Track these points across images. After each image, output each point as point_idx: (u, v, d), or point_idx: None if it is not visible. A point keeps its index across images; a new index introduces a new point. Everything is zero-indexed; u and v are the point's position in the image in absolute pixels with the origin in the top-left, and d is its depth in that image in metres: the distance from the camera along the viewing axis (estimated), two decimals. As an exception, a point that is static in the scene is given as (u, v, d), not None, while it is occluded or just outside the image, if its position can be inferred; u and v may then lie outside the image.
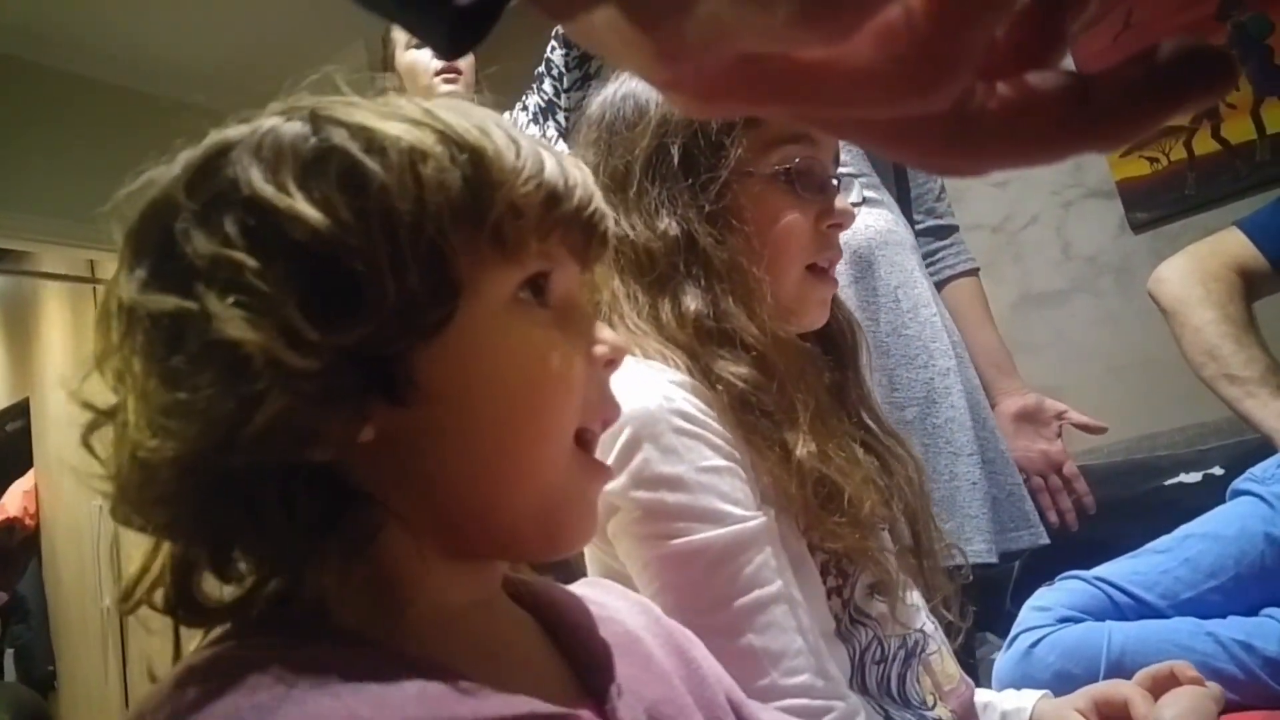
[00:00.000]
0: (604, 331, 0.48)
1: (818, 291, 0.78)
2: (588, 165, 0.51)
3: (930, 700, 0.73)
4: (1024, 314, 2.88)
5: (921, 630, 0.74)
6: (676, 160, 0.74)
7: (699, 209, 0.74)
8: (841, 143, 1.23)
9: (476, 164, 0.42)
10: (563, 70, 1.47)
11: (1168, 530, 0.98)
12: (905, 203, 1.50)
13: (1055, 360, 2.73)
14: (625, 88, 0.78)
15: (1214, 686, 0.70)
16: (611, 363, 0.48)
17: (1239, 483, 0.96)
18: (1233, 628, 0.84)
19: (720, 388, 0.70)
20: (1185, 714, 0.66)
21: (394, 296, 0.39)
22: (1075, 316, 2.75)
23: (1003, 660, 0.92)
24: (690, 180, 0.74)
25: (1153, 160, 2.63)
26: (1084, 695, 0.77)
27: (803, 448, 0.69)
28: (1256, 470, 0.96)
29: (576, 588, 0.56)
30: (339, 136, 0.41)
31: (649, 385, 0.68)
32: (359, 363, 0.40)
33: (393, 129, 0.41)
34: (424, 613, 0.44)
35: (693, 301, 0.72)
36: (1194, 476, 2.28)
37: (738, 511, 0.66)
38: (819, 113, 0.21)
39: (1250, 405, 1.47)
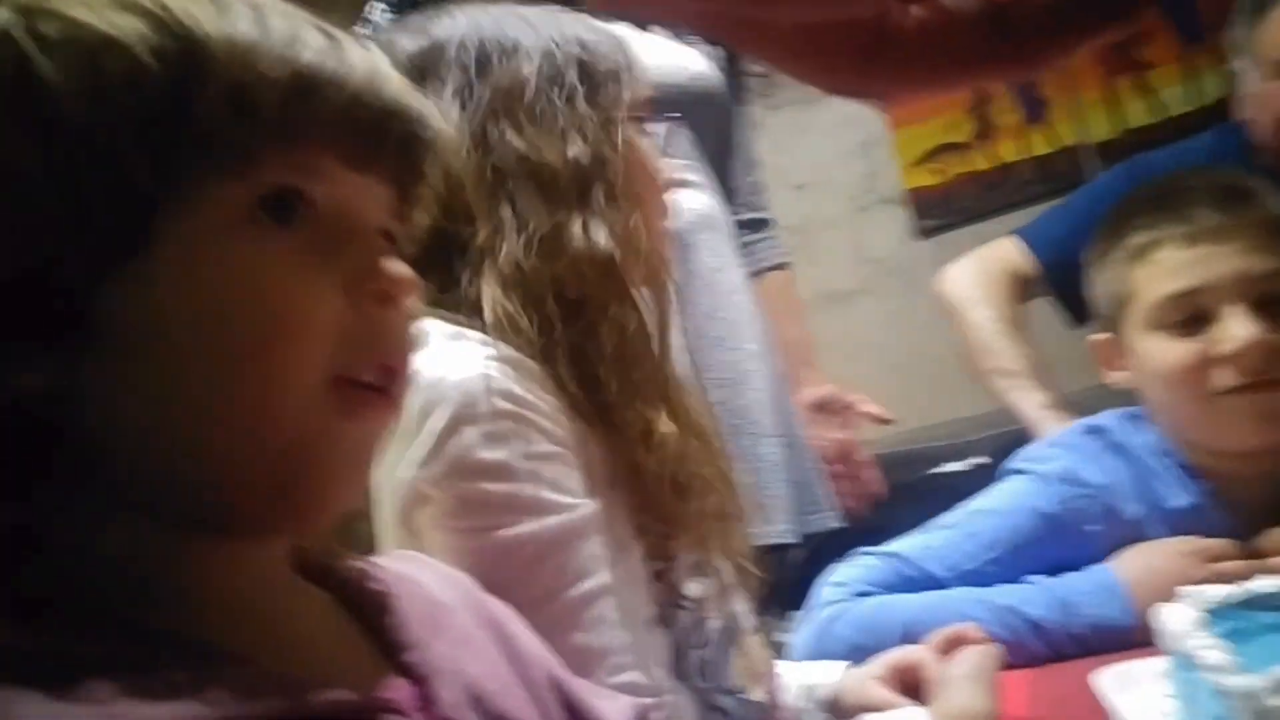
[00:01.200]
0: (388, 263, 0.40)
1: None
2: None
3: (746, 684, 0.73)
4: (816, 312, 3.03)
5: (737, 613, 0.74)
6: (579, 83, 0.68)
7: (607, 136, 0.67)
8: (665, 126, 1.23)
9: (189, 53, 0.35)
10: None
11: (941, 514, 1.05)
12: (724, 193, 1.53)
13: (841, 356, 2.89)
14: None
15: (995, 646, 0.75)
16: (388, 299, 0.40)
17: (1012, 463, 1.04)
18: (1004, 595, 0.91)
19: (592, 347, 0.66)
20: (971, 671, 0.70)
21: (65, 219, 0.34)
22: (863, 316, 2.92)
23: (800, 636, 0.95)
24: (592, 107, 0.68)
25: (939, 172, 2.82)
26: (881, 663, 0.80)
27: (666, 425, 0.67)
28: (1029, 451, 1.04)
29: (385, 563, 0.51)
30: (19, 30, 0.34)
31: (468, 361, 0.62)
32: (32, 297, 0.34)
33: (90, 18, 0.34)
34: (191, 596, 0.38)
35: (600, 235, 0.66)
36: (963, 465, 2.47)
37: (566, 500, 0.62)
38: (751, 11, 0.19)
39: (1016, 396, 1.61)
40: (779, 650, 0.96)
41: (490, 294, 0.65)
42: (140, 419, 0.36)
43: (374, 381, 0.39)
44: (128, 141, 0.34)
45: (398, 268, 0.40)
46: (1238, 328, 0.86)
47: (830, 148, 3.00)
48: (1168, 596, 0.85)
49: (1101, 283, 1.00)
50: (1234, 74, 1.48)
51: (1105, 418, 1.01)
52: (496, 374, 0.62)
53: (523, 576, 0.60)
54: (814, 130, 2.99)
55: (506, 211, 0.66)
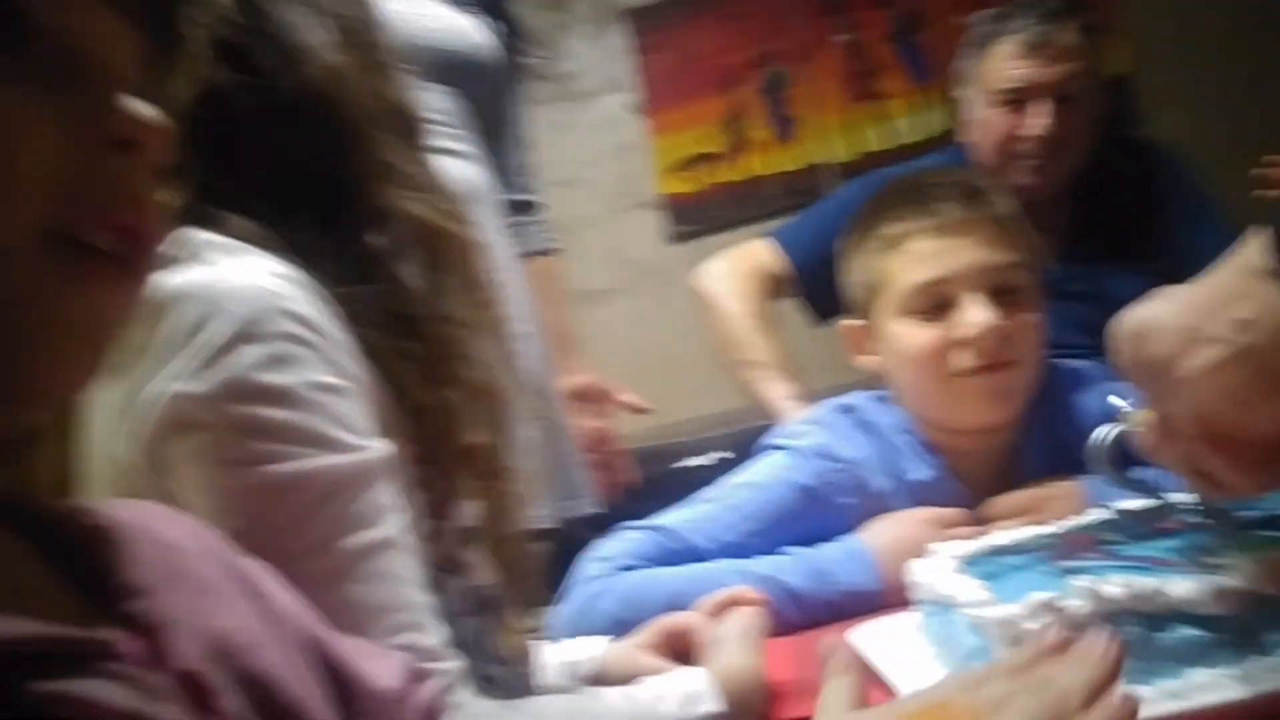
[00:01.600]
0: (131, 103, 0.33)
1: None
2: None
3: (509, 655, 0.69)
4: (571, 309, 3.03)
5: (503, 586, 0.70)
6: None
7: None
8: (432, 87, 1.17)
9: None
10: None
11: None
12: (494, 170, 1.48)
13: (593, 354, 2.92)
14: None
15: (763, 609, 0.76)
16: (126, 144, 0.33)
17: (772, 439, 1.07)
18: (763, 565, 0.93)
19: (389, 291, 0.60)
20: (741, 632, 0.70)
21: None
22: (615, 315, 2.96)
23: (562, 613, 0.93)
24: None
25: (694, 180, 2.93)
26: (649, 632, 0.79)
27: (456, 379, 0.62)
28: (787, 428, 1.08)
29: (112, 511, 0.42)
30: None
31: (254, 273, 0.55)
32: None
33: None
34: None
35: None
36: (706, 460, 2.56)
37: (354, 440, 0.55)
38: None
39: (764, 387, 1.68)
40: (538, 630, 0.92)
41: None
42: None
43: (105, 246, 0.32)
44: None
45: (143, 109, 0.33)
46: (976, 314, 0.93)
47: (590, 148, 3.03)
48: (909, 561, 0.91)
49: (855, 271, 1.05)
50: (960, 101, 1.63)
51: (855, 397, 1.06)
52: (286, 292, 0.55)
53: (297, 520, 0.53)
54: (576, 129, 3.01)
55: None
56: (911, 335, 0.97)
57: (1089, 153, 1.51)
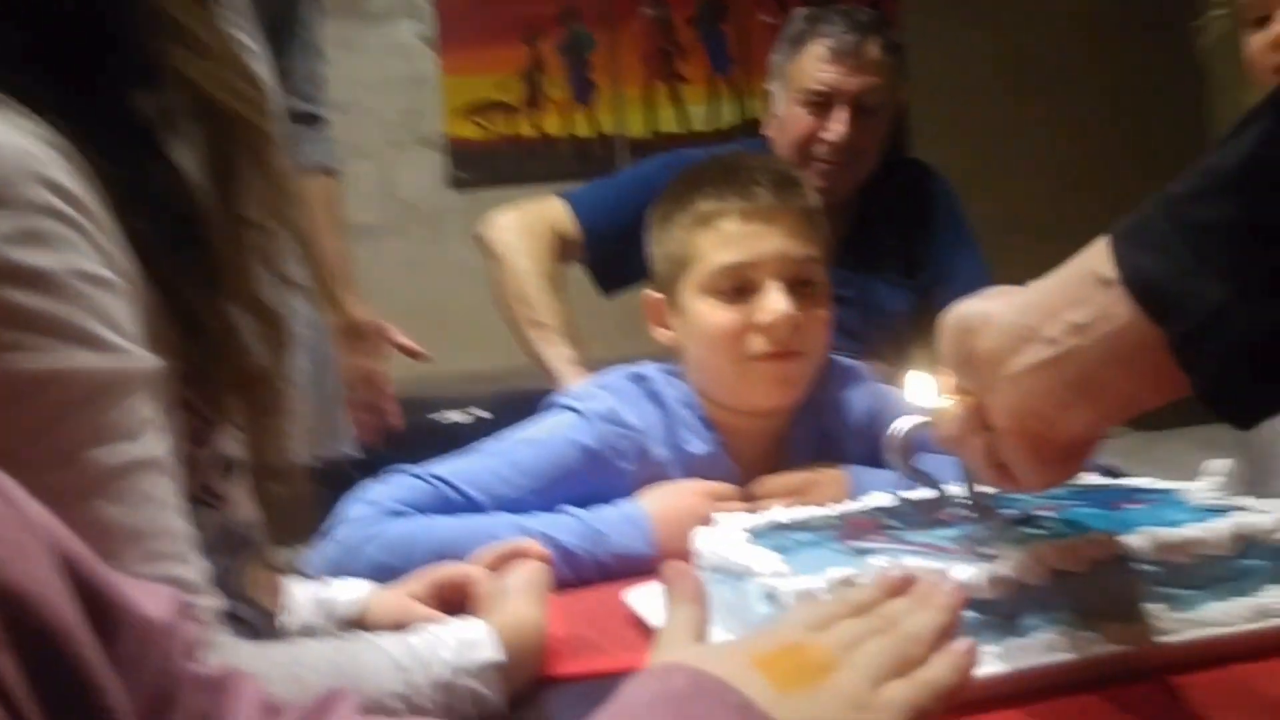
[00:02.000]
0: None
1: None
2: None
3: (259, 595, 0.63)
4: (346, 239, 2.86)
5: (258, 522, 0.64)
6: None
7: None
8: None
9: None
10: None
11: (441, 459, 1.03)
12: (278, 75, 1.35)
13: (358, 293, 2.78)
14: None
15: (547, 563, 0.75)
16: None
17: (558, 398, 1.05)
18: (540, 522, 0.91)
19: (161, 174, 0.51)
20: (525, 584, 0.68)
21: None
22: (381, 255, 2.82)
23: (322, 553, 0.86)
24: None
25: (483, 127, 2.84)
26: (421, 580, 0.75)
27: (256, 285, 0.54)
28: (577, 390, 1.07)
29: None
30: None
31: (7, 131, 0.46)
32: None
33: None
34: None
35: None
36: (464, 416, 2.51)
37: (119, 341, 0.48)
38: None
39: (543, 347, 1.66)
40: (293, 570, 0.86)
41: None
42: None
43: None
44: None
45: None
46: (776, 302, 0.95)
47: (376, 74, 2.86)
48: (682, 530, 0.92)
49: (663, 243, 1.05)
50: (767, 94, 1.68)
51: (647, 367, 1.07)
52: (48, 159, 0.46)
53: (43, 424, 0.45)
54: (363, 51, 2.82)
55: None
56: (712, 314, 0.98)
57: (875, 167, 1.61)
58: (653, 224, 1.08)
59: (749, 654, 0.39)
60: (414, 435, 2.16)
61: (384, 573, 0.80)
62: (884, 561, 0.54)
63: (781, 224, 0.99)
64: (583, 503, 0.96)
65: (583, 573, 0.88)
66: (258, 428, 0.60)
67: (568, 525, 0.92)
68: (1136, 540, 0.58)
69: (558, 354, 1.62)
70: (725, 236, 0.98)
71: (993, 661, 0.53)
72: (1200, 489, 0.65)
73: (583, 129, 2.85)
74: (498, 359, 2.73)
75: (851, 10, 1.61)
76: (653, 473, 0.99)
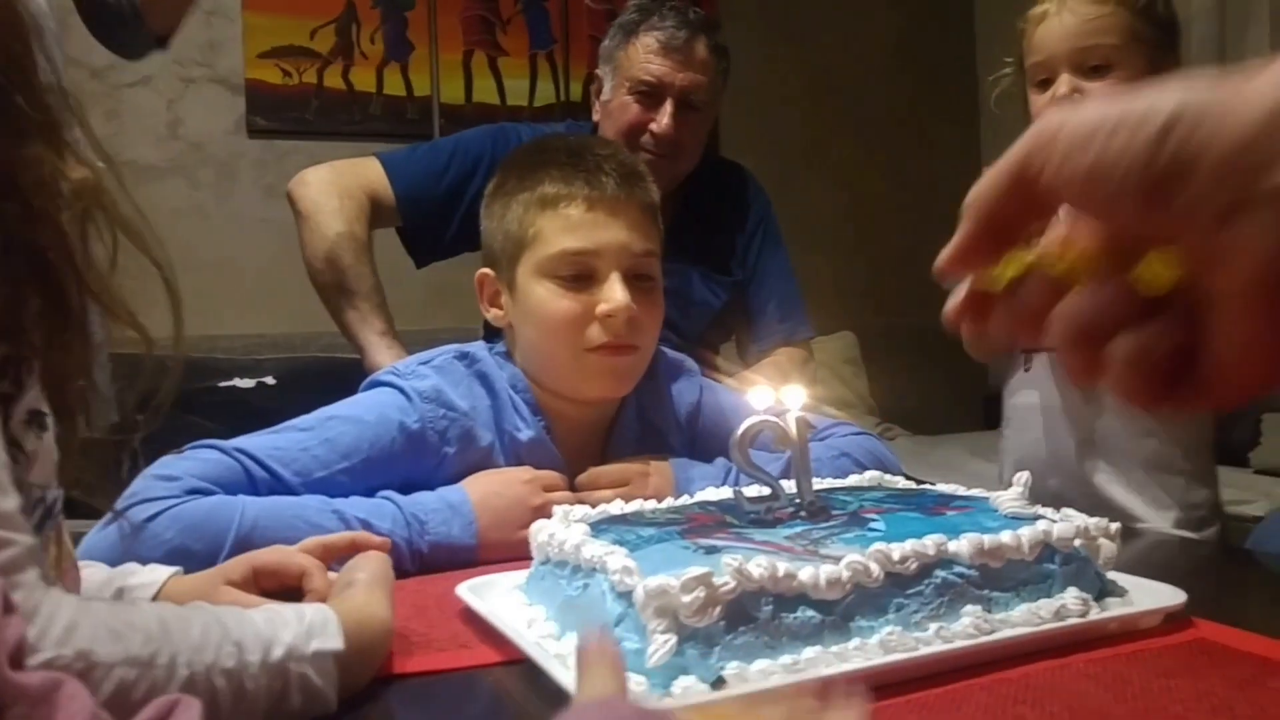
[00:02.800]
0: None
1: None
2: None
3: (51, 575, 0.55)
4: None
5: (60, 491, 0.56)
6: None
7: None
8: None
9: None
10: None
11: (226, 427, 0.96)
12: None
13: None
14: None
15: (389, 555, 0.70)
16: None
17: (380, 375, 1.00)
18: (356, 507, 0.86)
19: None
20: (371, 577, 0.64)
21: None
22: (165, 198, 2.57)
23: (103, 533, 0.77)
24: None
25: (286, 73, 2.65)
26: (241, 565, 0.68)
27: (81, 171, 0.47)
28: (399, 365, 1.01)
29: None
30: None
31: None
32: None
33: None
34: None
35: None
36: (248, 382, 2.34)
37: None
38: None
39: (352, 316, 1.57)
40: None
41: None
42: None
43: None
44: None
45: None
46: (617, 293, 0.95)
47: None
48: (507, 520, 0.90)
49: (502, 219, 1.02)
50: (596, 80, 1.67)
51: (477, 347, 1.03)
52: None
53: None
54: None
55: None
56: (552, 300, 0.96)
57: (695, 164, 1.63)
58: (490, 199, 1.04)
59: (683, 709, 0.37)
60: (195, 403, 2.00)
61: (183, 557, 0.73)
62: (734, 559, 0.55)
63: (625, 216, 0.98)
64: (401, 487, 0.91)
65: (400, 563, 0.84)
66: (61, 391, 0.54)
67: (385, 510, 0.87)
68: (957, 545, 0.62)
69: (369, 325, 1.54)
70: (569, 222, 0.97)
71: (832, 661, 0.55)
72: (1007, 498, 0.71)
73: (395, 88, 2.72)
74: (288, 324, 2.57)
75: (683, 8, 1.63)
76: (478, 458, 0.96)
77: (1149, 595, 0.67)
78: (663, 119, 1.53)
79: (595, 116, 1.66)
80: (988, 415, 3.15)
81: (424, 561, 0.86)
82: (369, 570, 0.64)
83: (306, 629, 0.54)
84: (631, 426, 1.05)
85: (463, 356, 1.01)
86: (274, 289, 2.53)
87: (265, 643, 0.52)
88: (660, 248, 1.04)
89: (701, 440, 1.09)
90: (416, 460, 0.94)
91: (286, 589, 0.67)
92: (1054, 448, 1.16)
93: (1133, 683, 0.56)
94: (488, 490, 0.92)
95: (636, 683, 0.53)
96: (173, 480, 0.81)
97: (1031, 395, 1.19)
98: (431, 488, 0.92)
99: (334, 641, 0.54)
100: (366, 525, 0.84)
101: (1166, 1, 1.15)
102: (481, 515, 0.90)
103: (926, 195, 3.36)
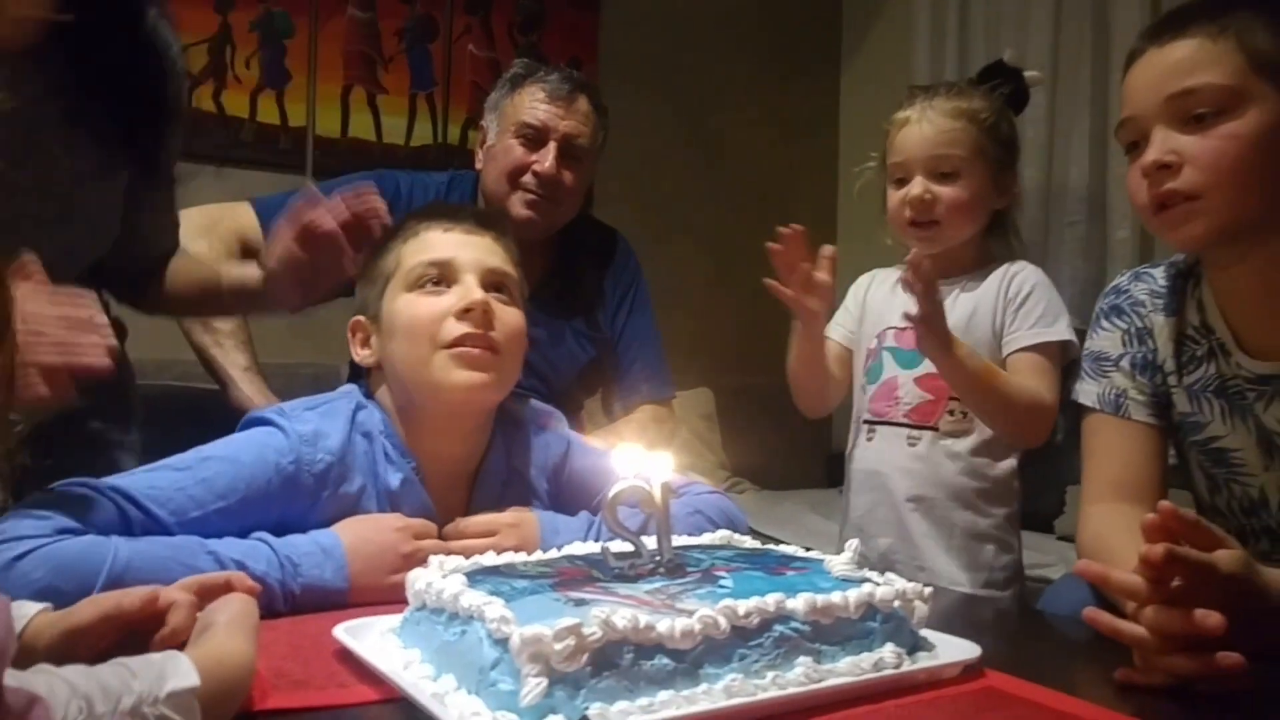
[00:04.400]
0: None
1: None
2: None
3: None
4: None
5: None
6: None
7: None
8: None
9: None
10: None
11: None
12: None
13: None
14: None
15: (256, 596, 0.73)
16: None
17: (261, 413, 1.01)
18: (230, 548, 0.87)
19: None
20: (235, 618, 0.67)
21: None
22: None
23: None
24: None
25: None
26: (91, 606, 0.68)
27: None
28: (284, 406, 1.03)
29: None
30: None
31: None
32: None
33: None
34: None
35: None
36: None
37: None
38: None
39: (216, 353, 1.57)
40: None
41: None
42: None
43: None
44: None
45: None
46: (472, 289, 1.03)
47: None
48: (378, 565, 0.94)
49: (373, 271, 1.08)
50: (482, 128, 1.74)
51: (351, 392, 1.07)
52: None
53: None
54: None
55: None
56: (412, 305, 1.04)
57: (572, 216, 1.72)
58: (364, 272, 1.11)
59: None
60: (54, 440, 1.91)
61: (53, 596, 0.74)
62: (601, 612, 0.62)
63: (480, 240, 1.08)
64: (274, 527, 0.94)
65: (272, 604, 0.86)
66: None
67: (259, 553, 0.89)
68: (793, 603, 0.70)
69: (232, 360, 1.54)
70: (428, 243, 1.07)
71: (682, 704, 0.63)
72: (839, 562, 0.80)
73: (269, 115, 2.69)
74: (141, 350, 2.47)
75: (566, 69, 1.73)
76: (349, 503, 1.00)
77: (952, 649, 0.78)
78: (546, 159, 1.62)
79: (478, 165, 1.72)
80: (829, 473, 3.34)
81: (296, 603, 0.89)
82: (229, 611, 0.67)
83: (158, 673, 0.56)
84: (498, 470, 1.10)
85: (345, 398, 1.05)
86: (127, 313, 2.45)
87: (114, 695, 0.53)
88: (516, 274, 1.11)
89: (566, 491, 1.15)
90: (291, 502, 0.96)
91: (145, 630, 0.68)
92: (886, 513, 1.29)
93: (933, 725, 0.66)
94: (360, 535, 0.95)
95: (508, 722, 0.58)
96: (43, 519, 0.81)
97: (869, 463, 1.32)
98: (304, 529, 0.95)
99: (188, 679, 0.56)
100: (241, 566, 0.86)
101: (1010, 123, 1.32)
102: (353, 560, 0.93)
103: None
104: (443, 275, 1.04)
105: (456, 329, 1.01)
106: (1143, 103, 0.97)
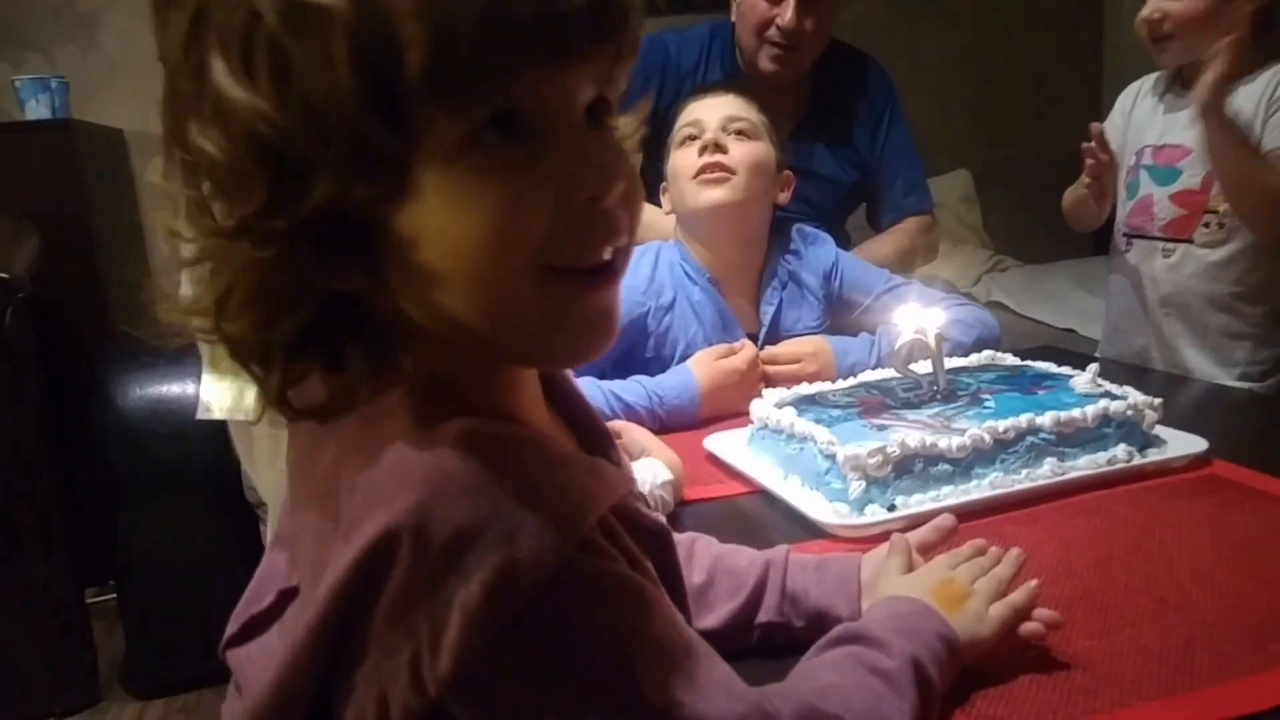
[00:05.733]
0: (591, 161, 0.45)
1: None
2: None
3: None
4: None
5: None
6: None
7: None
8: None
9: (385, 25, 0.39)
10: None
11: None
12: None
13: None
14: None
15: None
16: (594, 200, 0.45)
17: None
18: (617, 386, 1.23)
19: None
20: (653, 439, 1.00)
21: (343, 170, 0.40)
22: None
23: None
24: None
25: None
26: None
27: None
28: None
29: None
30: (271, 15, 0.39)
31: None
32: (341, 225, 0.42)
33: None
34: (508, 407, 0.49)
35: None
36: None
37: None
38: None
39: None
40: None
41: None
42: (418, 304, 0.45)
43: (582, 267, 0.46)
44: (362, 114, 0.40)
45: (600, 162, 0.46)
46: (706, 134, 1.36)
47: None
48: (721, 391, 1.26)
49: (666, 147, 1.37)
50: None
51: (658, 244, 1.42)
52: None
53: None
54: None
55: None
56: (676, 157, 1.39)
57: (821, 52, 1.87)
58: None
59: (927, 588, 0.63)
60: None
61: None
62: (899, 434, 0.89)
63: (721, 99, 1.41)
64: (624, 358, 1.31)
65: (647, 425, 1.22)
66: None
67: (631, 388, 1.24)
68: (1042, 419, 0.94)
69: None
70: (687, 112, 1.41)
71: (960, 496, 0.90)
72: (1082, 381, 1.03)
73: None
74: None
75: None
76: (662, 315, 1.34)
77: (1181, 444, 0.99)
78: (786, 12, 1.76)
79: (733, 16, 1.90)
80: (1095, 241, 3.32)
81: (663, 423, 1.23)
82: (647, 436, 1.01)
83: (653, 471, 0.91)
84: (779, 275, 1.41)
85: (652, 249, 1.40)
86: None
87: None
88: (757, 120, 1.39)
89: (836, 292, 1.46)
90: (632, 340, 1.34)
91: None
92: (1143, 316, 1.44)
93: (1153, 504, 0.90)
94: (705, 368, 1.27)
95: (839, 510, 0.89)
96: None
97: (1127, 273, 1.46)
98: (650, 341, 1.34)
99: (667, 475, 0.92)
100: (617, 397, 1.21)
101: None
102: (703, 389, 1.25)
103: (1040, 28, 3.41)
104: (695, 132, 1.36)
105: (697, 163, 1.33)
106: None
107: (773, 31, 1.78)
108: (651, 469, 0.92)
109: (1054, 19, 3.48)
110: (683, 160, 1.36)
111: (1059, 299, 2.67)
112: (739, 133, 1.36)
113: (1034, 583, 0.66)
